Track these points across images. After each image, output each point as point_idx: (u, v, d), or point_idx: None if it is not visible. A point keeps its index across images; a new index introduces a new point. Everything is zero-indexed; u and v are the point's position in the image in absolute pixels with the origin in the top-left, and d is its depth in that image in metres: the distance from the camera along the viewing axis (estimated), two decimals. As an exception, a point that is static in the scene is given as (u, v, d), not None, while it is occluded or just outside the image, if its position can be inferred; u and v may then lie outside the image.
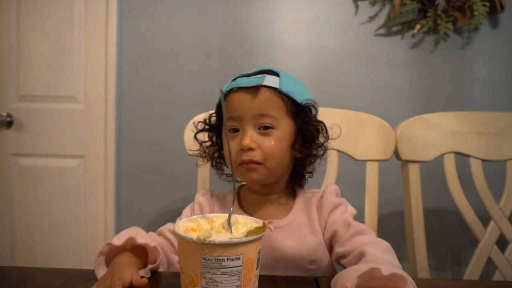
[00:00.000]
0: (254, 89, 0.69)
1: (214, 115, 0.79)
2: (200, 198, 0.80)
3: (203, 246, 0.49)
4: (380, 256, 0.59)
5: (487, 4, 1.48)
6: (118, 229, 1.65)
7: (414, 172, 1.06)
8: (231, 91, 0.71)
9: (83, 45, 1.66)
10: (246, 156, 0.68)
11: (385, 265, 0.53)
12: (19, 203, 1.70)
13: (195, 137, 0.79)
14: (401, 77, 1.60)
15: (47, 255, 1.69)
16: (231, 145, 0.70)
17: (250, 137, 0.68)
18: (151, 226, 1.61)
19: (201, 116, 0.83)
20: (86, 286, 0.58)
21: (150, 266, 0.65)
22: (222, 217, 0.59)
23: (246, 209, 0.76)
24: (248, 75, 0.72)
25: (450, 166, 1.07)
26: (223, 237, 0.51)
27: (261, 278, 0.57)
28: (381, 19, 1.59)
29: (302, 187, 0.81)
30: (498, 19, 1.57)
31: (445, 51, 1.58)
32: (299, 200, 0.76)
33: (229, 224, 0.55)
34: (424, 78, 1.60)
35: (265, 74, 0.70)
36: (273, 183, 0.74)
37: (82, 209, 1.68)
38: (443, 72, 1.59)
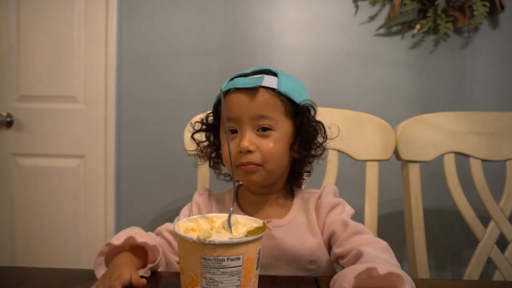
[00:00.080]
0: (252, 90, 0.68)
1: (211, 115, 0.78)
2: (198, 198, 0.80)
3: (203, 246, 0.49)
4: (378, 255, 0.60)
5: (487, 4, 1.48)
6: (118, 229, 1.64)
7: (414, 172, 1.06)
8: (228, 91, 0.70)
9: (83, 45, 1.66)
10: (245, 159, 0.68)
11: (382, 264, 0.53)
12: (19, 203, 1.70)
13: (192, 137, 0.79)
14: (401, 77, 1.60)
15: (47, 255, 1.69)
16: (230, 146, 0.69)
17: (249, 139, 0.68)
18: (151, 226, 1.61)
19: (199, 117, 0.83)
20: (86, 286, 0.58)
21: (149, 265, 0.65)
22: (222, 217, 0.59)
23: (244, 209, 0.76)
24: (246, 75, 0.72)
25: (450, 166, 1.07)
26: (223, 237, 0.51)
27: (261, 278, 0.57)
28: (381, 19, 1.59)
29: (300, 186, 0.81)
30: (498, 19, 1.57)
31: (445, 51, 1.58)
32: (297, 200, 0.76)
33: (229, 224, 0.55)
34: (424, 78, 1.60)
35: (263, 75, 0.70)
36: (272, 184, 0.74)
37: (82, 209, 1.68)
38: (443, 72, 1.59)
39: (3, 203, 1.70)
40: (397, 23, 1.56)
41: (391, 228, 1.38)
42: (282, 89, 0.69)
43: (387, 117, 1.11)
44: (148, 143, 1.66)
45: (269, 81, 0.69)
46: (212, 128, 0.78)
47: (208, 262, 0.49)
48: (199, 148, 0.79)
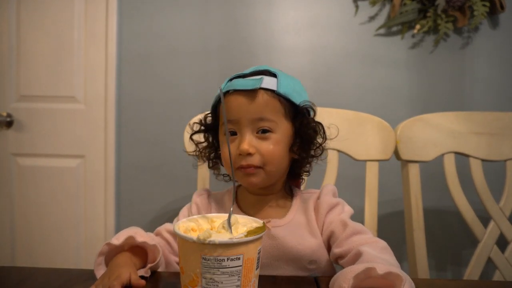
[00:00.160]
0: (252, 92, 0.68)
1: (210, 115, 0.78)
2: (197, 198, 0.80)
3: (203, 246, 0.49)
4: (377, 255, 0.60)
5: (487, 4, 1.48)
6: (118, 229, 1.64)
7: (414, 172, 1.06)
8: (227, 93, 0.70)
9: (83, 45, 1.66)
10: (245, 161, 0.68)
11: (381, 264, 0.53)
12: (19, 203, 1.70)
13: (191, 138, 0.78)
14: (401, 77, 1.60)
15: (47, 255, 1.69)
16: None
17: (249, 141, 0.68)
18: (151, 226, 1.60)
19: (198, 118, 0.83)
20: (86, 286, 0.58)
21: (149, 265, 0.65)
22: (222, 217, 0.59)
23: (244, 210, 0.76)
24: (245, 76, 0.71)
25: (450, 166, 1.07)
26: (223, 237, 0.51)
27: (261, 278, 0.57)
28: (381, 19, 1.59)
29: (298, 186, 0.81)
30: (498, 19, 1.57)
31: (445, 51, 1.58)
32: (297, 201, 0.76)
33: (229, 224, 0.55)
34: (424, 78, 1.60)
35: (262, 76, 0.69)
36: (271, 185, 0.74)
37: (82, 209, 1.68)
38: (443, 72, 1.59)
39: (3, 203, 1.70)
40: (397, 23, 1.56)
41: (391, 228, 1.38)
42: (282, 91, 0.69)
43: (387, 117, 1.11)
44: (148, 143, 1.66)
45: (268, 82, 0.69)
46: (210, 129, 0.78)
47: (208, 262, 0.49)
48: (198, 149, 0.79)
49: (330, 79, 1.60)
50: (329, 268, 0.73)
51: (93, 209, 1.67)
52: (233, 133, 0.70)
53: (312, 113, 0.74)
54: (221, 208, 0.78)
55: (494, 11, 1.52)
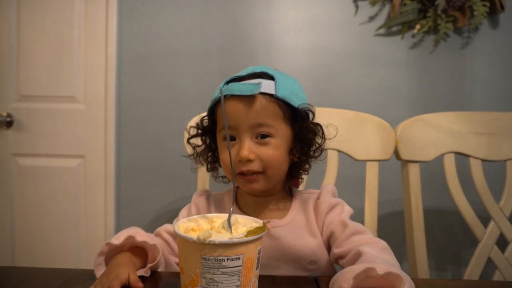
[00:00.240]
0: (250, 97, 0.66)
1: (206, 118, 0.77)
2: (197, 199, 0.80)
3: (203, 246, 0.49)
4: (377, 255, 0.60)
5: (487, 4, 1.48)
6: (118, 229, 1.64)
7: (414, 172, 1.06)
8: (224, 97, 0.68)
9: (83, 45, 1.66)
10: (245, 167, 0.68)
11: (381, 264, 0.53)
12: (19, 203, 1.70)
13: (188, 142, 0.78)
14: (401, 77, 1.60)
15: (47, 255, 1.69)
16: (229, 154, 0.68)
17: (248, 147, 0.67)
18: (151, 226, 1.61)
19: (194, 121, 0.82)
20: (86, 286, 0.58)
21: (149, 265, 0.65)
22: (222, 217, 0.59)
23: (244, 210, 0.75)
24: (242, 78, 0.70)
25: (450, 166, 1.07)
26: (223, 237, 0.51)
27: (261, 278, 0.57)
28: (381, 19, 1.59)
29: (297, 185, 0.81)
30: (498, 19, 1.57)
31: (445, 51, 1.58)
32: (296, 201, 0.76)
33: (229, 224, 0.55)
34: (424, 78, 1.60)
35: (260, 81, 0.67)
36: (271, 187, 0.74)
37: (82, 209, 1.68)
38: (443, 72, 1.59)
39: (3, 203, 1.70)
40: (397, 23, 1.56)
41: (391, 228, 1.38)
42: (280, 94, 0.68)
43: (387, 117, 1.11)
44: (148, 143, 1.66)
45: (266, 86, 0.67)
46: (207, 131, 0.77)
47: (208, 262, 0.49)
48: (195, 152, 0.78)
49: (330, 79, 1.60)
50: (329, 268, 0.73)
51: (93, 209, 1.67)
52: (232, 139, 0.69)
53: (311, 116, 0.73)
54: (221, 209, 0.77)
55: (494, 11, 1.52)
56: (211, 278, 0.49)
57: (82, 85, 1.66)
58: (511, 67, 1.58)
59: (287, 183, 0.79)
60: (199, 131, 0.77)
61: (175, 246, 0.74)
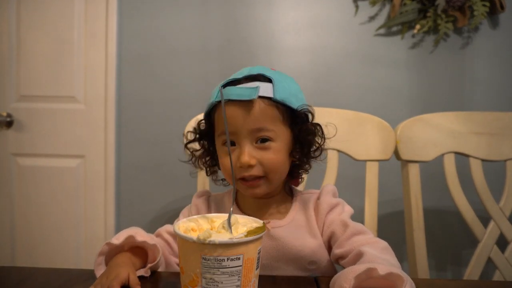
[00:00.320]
0: (248, 102, 0.65)
1: (203, 122, 0.76)
2: (197, 200, 0.80)
3: (203, 246, 0.49)
4: (378, 255, 0.60)
5: (487, 4, 1.48)
6: (118, 229, 1.65)
7: (414, 172, 1.06)
8: (221, 102, 0.66)
9: (83, 45, 1.66)
10: (247, 172, 0.67)
11: (382, 265, 0.53)
12: (19, 203, 1.70)
13: (186, 147, 0.77)
14: (401, 77, 1.60)
15: (47, 255, 1.69)
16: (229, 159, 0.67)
17: (248, 153, 0.66)
18: (151, 226, 1.61)
19: (191, 125, 0.81)
20: (86, 286, 0.58)
21: (149, 265, 0.65)
22: (222, 217, 0.59)
23: (244, 211, 0.75)
24: (238, 81, 0.68)
25: (450, 166, 1.07)
26: (223, 237, 0.51)
27: (261, 278, 0.57)
28: (381, 19, 1.59)
29: (297, 184, 0.81)
30: (498, 19, 1.57)
31: (445, 51, 1.58)
32: (297, 201, 0.76)
33: (229, 224, 0.55)
34: (424, 78, 1.60)
35: (258, 86, 0.66)
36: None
37: (82, 209, 1.68)
38: (443, 72, 1.59)
39: (3, 203, 1.70)
40: (397, 23, 1.56)
41: (391, 228, 1.38)
42: (278, 97, 0.67)
43: (387, 117, 1.11)
44: (148, 143, 1.66)
45: (264, 89, 0.66)
46: (205, 135, 0.76)
47: (208, 262, 0.49)
48: (194, 157, 0.77)
49: (330, 79, 1.60)
50: (329, 269, 0.73)
51: (93, 209, 1.67)
52: (231, 144, 0.68)
53: (310, 116, 0.72)
54: (221, 210, 0.77)
55: (494, 11, 1.52)
56: (211, 278, 0.49)
57: (82, 85, 1.66)
58: (511, 67, 1.58)
59: (287, 183, 0.79)
60: (197, 135, 0.76)
61: (175, 246, 0.74)
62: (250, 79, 0.68)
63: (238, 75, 0.70)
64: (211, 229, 0.57)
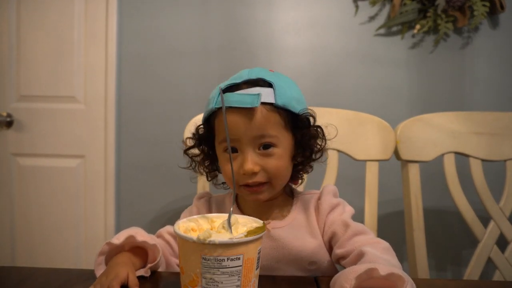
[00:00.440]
0: (250, 109, 0.64)
1: (202, 127, 0.75)
2: (197, 202, 0.80)
3: (203, 246, 0.49)
4: (380, 255, 0.60)
5: (487, 4, 1.48)
6: (118, 229, 1.64)
7: (414, 172, 1.06)
8: (221, 108, 0.62)
9: (83, 45, 1.66)
10: (250, 179, 0.67)
11: (383, 265, 0.53)
12: (19, 203, 1.70)
13: (185, 153, 0.76)
14: (401, 77, 1.60)
15: (47, 255, 1.69)
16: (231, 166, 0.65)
17: (251, 160, 0.66)
18: (151, 226, 1.61)
19: (189, 129, 0.80)
20: (86, 286, 0.58)
21: (149, 265, 0.65)
22: (222, 217, 0.59)
23: (245, 212, 0.75)
24: (238, 86, 0.67)
25: (450, 166, 1.07)
26: (223, 237, 0.51)
27: (261, 278, 0.57)
28: (381, 19, 1.59)
29: (296, 184, 0.81)
30: (498, 19, 1.57)
31: (445, 51, 1.58)
32: (297, 202, 0.76)
33: (229, 224, 0.55)
34: (424, 78, 1.60)
35: (260, 92, 0.64)
36: None
37: (82, 209, 1.68)
38: (443, 72, 1.59)
39: (3, 203, 1.70)
40: (397, 23, 1.56)
41: (391, 228, 1.38)
42: (280, 102, 0.66)
43: (387, 117, 1.11)
44: (148, 143, 1.66)
45: (265, 95, 0.65)
46: (205, 140, 0.75)
47: (208, 262, 0.49)
48: (194, 163, 0.76)
49: (330, 79, 1.60)
50: (330, 269, 0.73)
51: (93, 209, 1.67)
52: (233, 150, 0.68)
53: (312, 120, 0.72)
54: (222, 211, 0.77)
55: (494, 11, 1.52)
56: (211, 278, 0.49)
57: (82, 85, 1.66)
58: (511, 67, 1.58)
59: (288, 184, 0.79)
60: (196, 141, 0.75)
61: (176, 247, 0.74)
62: (250, 84, 0.67)
63: (237, 79, 0.68)
64: (211, 229, 0.57)
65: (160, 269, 0.69)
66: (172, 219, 0.81)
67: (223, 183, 0.78)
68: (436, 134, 1.07)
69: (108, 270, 0.60)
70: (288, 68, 1.59)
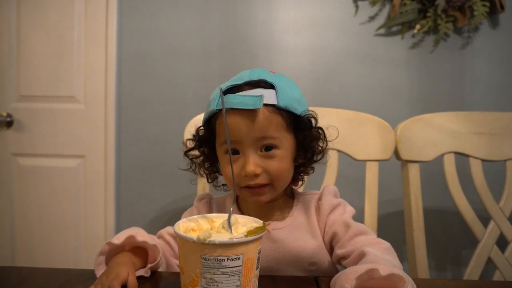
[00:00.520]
0: (252, 110, 0.64)
1: (202, 128, 0.74)
2: (198, 203, 0.80)
3: (203, 246, 0.49)
4: (381, 256, 0.60)
5: (487, 4, 1.48)
6: (118, 229, 1.64)
7: (414, 172, 1.06)
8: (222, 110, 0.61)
9: (83, 45, 1.66)
10: (252, 181, 0.66)
11: (384, 266, 0.53)
12: (19, 203, 1.70)
13: (185, 155, 0.75)
14: (401, 77, 1.60)
15: (47, 255, 1.69)
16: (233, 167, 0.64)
17: (253, 162, 0.65)
18: (151, 226, 1.61)
19: (188, 130, 0.79)
20: (86, 286, 0.58)
21: (149, 265, 0.65)
22: (222, 217, 0.59)
23: (245, 213, 0.75)
24: (239, 88, 0.66)
25: (450, 166, 1.07)
26: (223, 237, 0.51)
27: (261, 278, 0.57)
28: (381, 19, 1.59)
29: (296, 185, 0.81)
30: (498, 19, 1.57)
31: (445, 51, 1.58)
32: (298, 202, 0.76)
33: (229, 224, 0.55)
34: (424, 78, 1.60)
35: (262, 93, 0.64)
36: None
37: (82, 209, 1.68)
38: (443, 72, 1.59)
39: (3, 203, 1.70)
40: (397, 23, 1.56)
41: (391, 228, 1.38)
42: (282, 104, 0.65)
43: (387, 117, 1.11)
44: (148, 143, 1.66)
45: (267, 96, 0.64)
46: (205, 141, 0.74)
47: (208, 262, 0.49)
48: (194, 165, 0.76)
49: (330, 79, 1.60)
50: (330, 269, 0.72)
51: (93, 209, 1.67)
52: (235, 151, 0.67)
53: (313, 122, 0.72)
54: (222, 212, 0.77)
55: (494, 11, 1.52)
56: (211, 278, 0.49)
57: (82, 85, 1.66)
58: (511, 67, 1.58)
59: (289, 186, 0.79)
60: (197, 143, 0.75)
61: (177, 248, 0.74)
62: (252, 86, 0.66)
63: (238, 80, 0.68)
64: (211, 229, 0.57)
65: (160, 269, 0.69)
66: (172, 219, 0.81)
67: (223, 184, 0.78)
68: (436, 134, 1.07)
69: (108, 270, 0.60)
70: (288, 68, 1.59)
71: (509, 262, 1.05)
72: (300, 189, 0.84)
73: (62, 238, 1.68)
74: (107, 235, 1.66)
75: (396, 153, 1.07)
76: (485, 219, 1.07)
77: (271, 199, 0.72)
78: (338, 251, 0.68)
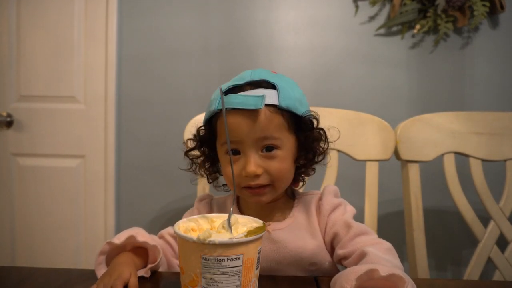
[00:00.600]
0: (253, 110, 0.63)
1: (203, 128, 0.74)
2: (199, 204, 0.80)
3: (203, 246, 0.49)
4: (381, 256, 0.60)
5: (487, 4, 1.48)
6: (118, 229, 1.65)
7: (414, 172, 1.06)
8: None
9: (83, 45, 1.66)
10: (253, 181, 0.66)
11: (384, 266, 0.53)
12: (19, 203, 1.70)
13: (186, 155, 0.75)
14: (401, 77, 1.60)
15: (47, 255, 1.69)
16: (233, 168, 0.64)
17: (254, 162, 0.65)
18: (151, 226, 1.61)
19: (189, 130, 0.79)
20: (86, 286, 0.58)
21: (150, 265, 0.65)
22: (222, 217, 0.59)
23: (246, 213, 0.75)
24: (240, 87, 0.66)
25: (450, 166, 1.07)
26: (223, 237, 0.51)
27: (261, 278, 0.57)
28: (381, 19, 1.59)
29: (297, 185, 0.81)
30: (498, 19, 1.57)
31: (445, 51, 1.58)
32: (298, 203, 0.76)
33: (229, 224, 0.55)
34: (424, 78, 1.60)
35: (264, 94, 0.64)
36: None
37: (82, 209, 1.68)
38: (443, 72, 1.59)
39: (3, 203, 1.70)
40: (397, 23, 1.56)
41: (391, 228, 1.38)
42: (284, 104, 0.65)
43: (387, 117, 1.11)
44: (148, 143, 1.66)
45: (269, 96, 0.64)
46: (206, 142, 0.74)
47: (208, 262, 0.49)
48: (194, 165, 0.76)
49: (330, 79, 1.60)
50: (330, 270, 0.72)
51: (93, 209, 1.67)
52: (235, 152, 0.67)
53: (315, 122, 0.71)
54: (223, 213, 0.77)
55: (494, 11, 1.52)
56: (211, 278, 0.49)
57: (82, 85, 1.66)
58: (511, 67, 1.58)
59: (289, 186, 0.79)
60: (198, 143, 0.75)
61: (177, 248, 0.74)
62: (253, 86, 0.66)
63: (240, 80, 0.67)
64: (211, 229, 0.57)
65: (160, 269, 0.69)
66: (172, 219, 0.81)
67: (224, 185, 0.78)
68: (436, 134, 1.07)
69: (111, 269, 0.60)
70: (288, 68, 1.59)
71: (509, 262, 1.05)
72: (300, 189, 0.84)
73: (62, 238, 1.68)
74: (107, 235, 1.66)
75: (396, 153, 1.07)
76: (485, 219, 1.07)
77: (271, 200, 0.71)
78: (339, 251, 0.68)
